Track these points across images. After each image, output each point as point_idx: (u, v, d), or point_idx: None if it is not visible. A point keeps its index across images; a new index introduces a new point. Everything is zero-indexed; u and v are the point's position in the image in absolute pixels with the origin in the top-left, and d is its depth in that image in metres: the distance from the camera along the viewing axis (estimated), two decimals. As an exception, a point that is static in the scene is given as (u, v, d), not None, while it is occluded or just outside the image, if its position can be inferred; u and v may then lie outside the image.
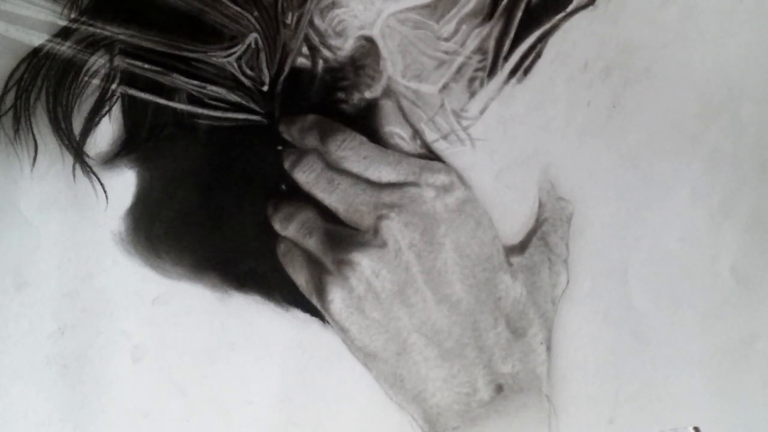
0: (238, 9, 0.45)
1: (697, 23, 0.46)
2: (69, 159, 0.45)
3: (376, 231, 0.44)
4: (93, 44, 0.44)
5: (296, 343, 0.45)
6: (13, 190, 0.45)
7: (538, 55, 0.46)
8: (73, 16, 0.44)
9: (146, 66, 0.45)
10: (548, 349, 0.47)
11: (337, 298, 0.45)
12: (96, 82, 0.45)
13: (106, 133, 0.45)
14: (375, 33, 0.45)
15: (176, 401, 0.45)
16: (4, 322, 0.45)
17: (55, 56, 0.44)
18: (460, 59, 0.45)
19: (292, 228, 0.45)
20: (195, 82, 0.45)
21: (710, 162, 0.47)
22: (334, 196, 0.45)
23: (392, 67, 0.45)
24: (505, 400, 0.45)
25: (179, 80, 0.45)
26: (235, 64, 0.45)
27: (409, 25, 0.45)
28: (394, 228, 0.44)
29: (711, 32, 0.46)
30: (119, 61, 0.45)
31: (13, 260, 0.45)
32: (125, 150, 0.45)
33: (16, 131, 0.45)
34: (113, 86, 0.45)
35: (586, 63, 0.46)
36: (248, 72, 0.45)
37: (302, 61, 0.46)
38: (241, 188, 0.46)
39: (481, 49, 0.45)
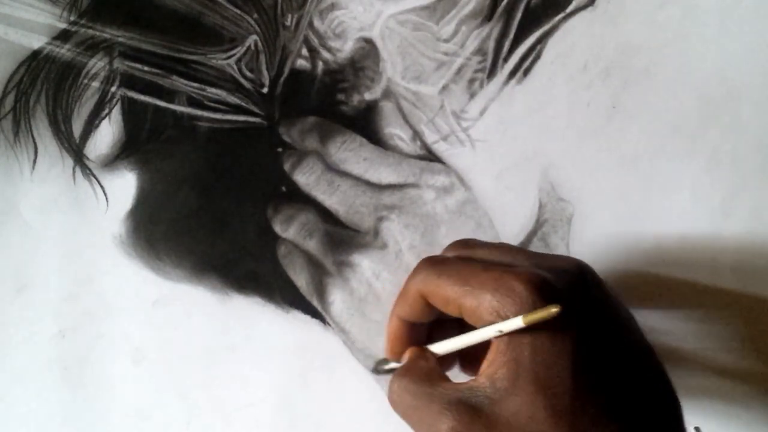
0: (238, 11, 0.44)
1: (697, 23, 0.46)
2: (69, 161, 0.45)
3: (376, 232, 0.44)
4: (92, 47, 0.44)
5: (297, 345, 0.45)
6: (13, 192, 0.45)
7: (538, 56, 0.46)
8: (72, 18, 0.44)
9: (146, 68, 0.45)
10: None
11: (337, 300, 0.45)
12: (96, 84, 0.45)
13: (106, 135, 0.45)
14: (374, 34, 0.45)
15: (177, 404, 0.45)
16: (5, 326, 0.45)
17: (54, 59, 0.44)
18: (459, 60, 0.45)
19: (292, 230, 0.45)
20: (195, 85, 0.45)
21: (710, 162, 0.47)
22: (334, 197, 0.45)
23: (392, 68, 0.45)
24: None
25: (179, 82, 0.45)
26: (234, 66, 0.45)
27: (408, 27, 0.45)
28: (394, 229, 0.44)
29: (711, 32, 0.46)
30: (119, 64, 0.45)
31: (13, 263, 0.45)
32: (125, 152, 0.45)
33: (16, 134, 0.44)
34: (113, 89, 0.45)
35: (586, 63, 0.46)
36: (248, 74, 0.45)
37: (302, 63, 0.45)
38: (241, 190, 0.46)
39: (480, 50, 0.45)
